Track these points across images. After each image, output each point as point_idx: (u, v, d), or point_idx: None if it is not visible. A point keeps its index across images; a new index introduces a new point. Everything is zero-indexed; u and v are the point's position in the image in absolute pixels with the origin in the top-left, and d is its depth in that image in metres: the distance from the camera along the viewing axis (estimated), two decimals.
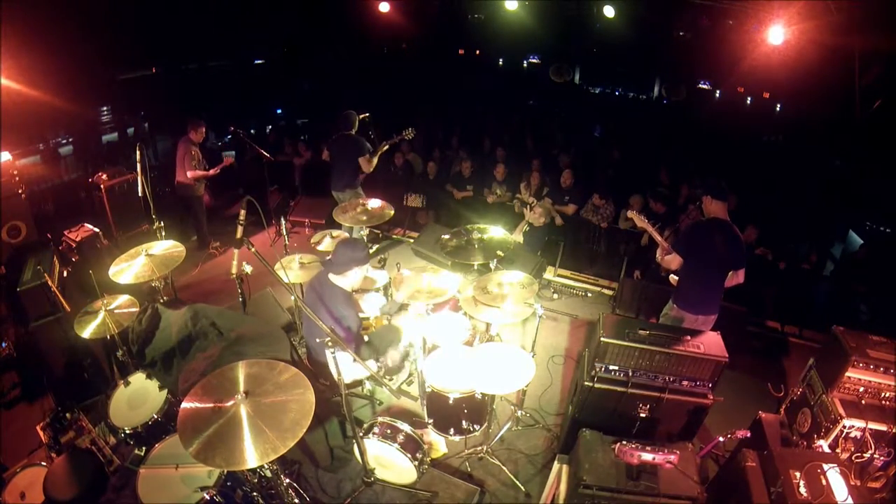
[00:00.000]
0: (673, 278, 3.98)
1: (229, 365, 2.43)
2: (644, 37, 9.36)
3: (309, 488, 3.32)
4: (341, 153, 5.68)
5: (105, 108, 8.56)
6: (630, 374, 3.04)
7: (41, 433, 3.44)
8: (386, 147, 5.63)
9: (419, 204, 7.37)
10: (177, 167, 5.85)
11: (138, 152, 4.64)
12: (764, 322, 5.29)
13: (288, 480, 2.97)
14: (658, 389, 3.02)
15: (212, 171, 5.93)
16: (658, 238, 3.87)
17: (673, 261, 3.76)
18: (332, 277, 3.25)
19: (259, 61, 11.19)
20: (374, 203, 4.71)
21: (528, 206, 6.36)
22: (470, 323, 3.88)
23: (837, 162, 8.00)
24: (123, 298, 3.62)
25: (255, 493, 2.82)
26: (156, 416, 3.13)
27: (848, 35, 4.93)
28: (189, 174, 5.73)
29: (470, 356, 3.21)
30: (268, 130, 10.77)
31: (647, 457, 2.51)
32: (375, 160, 5.60)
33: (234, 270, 3.90)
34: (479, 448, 3.57)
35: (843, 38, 4.97)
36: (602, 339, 2.99)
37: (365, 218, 4.53)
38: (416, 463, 3.05)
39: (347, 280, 3.26)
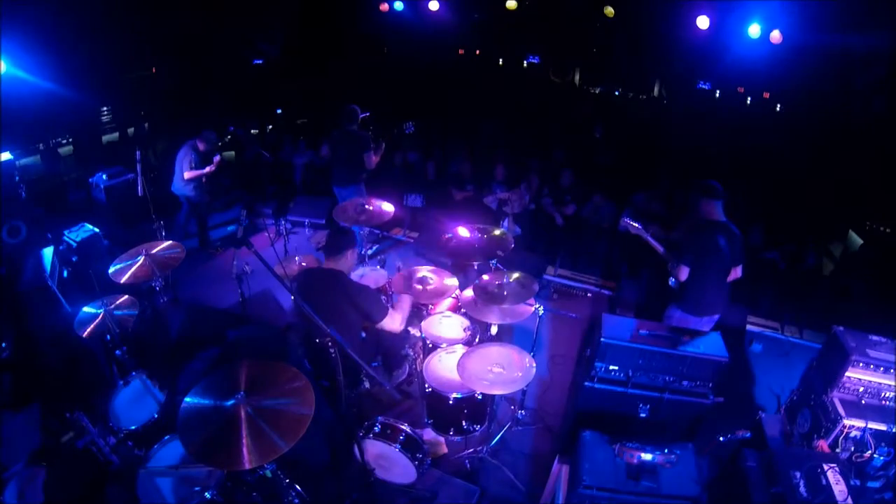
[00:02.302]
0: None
1: (229, 365, 2.43)
2: (644, 37, 9.36)
3: (309, 488, 3.32)
4: (345, 149, 5.53)
5: (105, 108, 8.56)
6: (630, 374, 3.04)
7: (41, 433, 3.44)
8: (383, 146, 5.62)
9: (419, 204, 7.37)
10: (175, 169, 5.89)
11: (138, 152, 4.65)
12: (764, 322, 5.29)
13: (288, 480, 2.97)
14: (658, 389, 3.02)
15: (207, 169, 5.95)
16: (655, 245, 3.86)
17: (681, 273, 3.75)
18: (332, 262, 3.25)
19: (259, 61, 11.19)
20: (374, 203, 4.71)
21: (507, 203, 6.35)
22: (470, 323, 3.87)
23: (837, 162, 7.99)
24: (123, 298, 3.63)
25: (254, 493, 2.82)
26: (156, 416, 3.13)
27: (848, 35, 4.94)
28: (186, 175, 5.77)
29: (470, 356, 3.21)
30: (268, 130, 10.77)
31: (647, 457, 2.52)
32: (378, 157, 5.59)
33: (234, 270, 3.90)
34: (479, 448, 3.57)
35: (842, 38, 4.98)
36: (602, 339, 2.99)
37: (365, 218, 4.53)
38: (416, 463, 3.05)
39: (346, 263, 3.29)
